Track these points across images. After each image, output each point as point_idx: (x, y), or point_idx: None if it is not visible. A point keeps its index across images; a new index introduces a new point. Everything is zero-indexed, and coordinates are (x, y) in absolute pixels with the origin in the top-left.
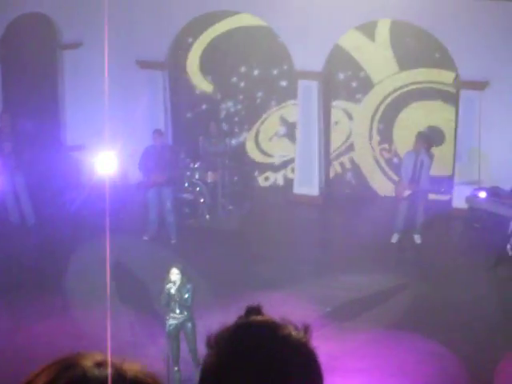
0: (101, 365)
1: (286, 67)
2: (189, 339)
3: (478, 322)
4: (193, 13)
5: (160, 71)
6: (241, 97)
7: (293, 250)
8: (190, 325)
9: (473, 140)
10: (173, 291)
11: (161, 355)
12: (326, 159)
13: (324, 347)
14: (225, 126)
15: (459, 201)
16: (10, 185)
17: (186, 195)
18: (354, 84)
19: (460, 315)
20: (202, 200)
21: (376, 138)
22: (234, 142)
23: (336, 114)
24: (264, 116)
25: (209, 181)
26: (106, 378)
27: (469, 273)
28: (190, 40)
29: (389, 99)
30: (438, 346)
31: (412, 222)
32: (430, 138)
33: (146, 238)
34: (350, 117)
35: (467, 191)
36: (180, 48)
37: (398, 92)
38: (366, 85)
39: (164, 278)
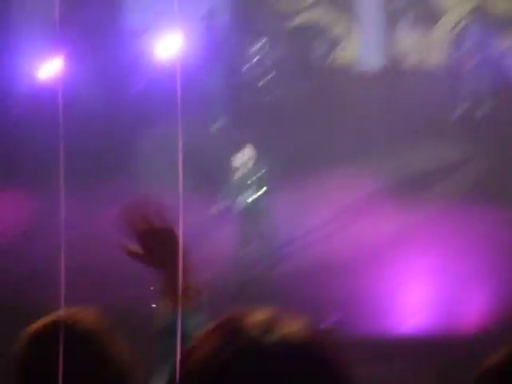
0: (268, 330)
1: None
2: (262, 219)
3: None
4: None
5: None
6: None
7: (358, 125)
8: (261, 206)
9: None
10: (245, 169)
11: (233, 235)
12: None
13: (393, 219)
14: None
15: None
16: (75, 69)
17: (253, 72)
18: None
19: None
20: (269, 76)
21: None
22: None
23: None
24: None
25: (276, 57)
26: (274, 344)
27: None
28: None
29: None
30: (503, 216)
31: (476, 95)
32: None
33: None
34: None
35: None
36: None
37: None
38: None
39: (236, 157)
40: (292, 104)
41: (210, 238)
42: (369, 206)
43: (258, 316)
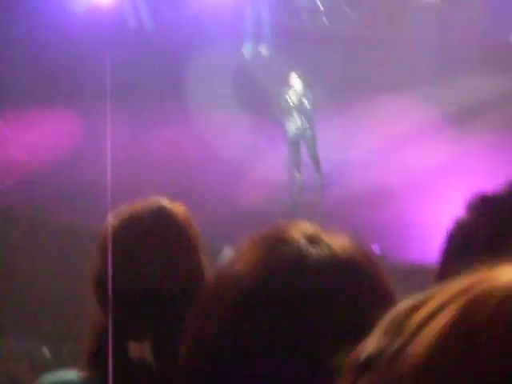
0: (315, 242)
1: None
2: (309, 146)
3: None
4: None
5: None
6: None
7: (412, 52)
8: (310, 132)
9: None
10: (293, 98)
11: (283, 161)
12: None
13: (444, 149)
14: None
15: None
16: None
17: (304, 1)
18: None
19: None
20: (319, 4)
21: None
22: None
23: None
24: None
25: None
26: (322, 257)
27: None
28: None
29: None
30: None
31: None
32: None
33: (246, 52)
34: None
35: None
36: None
37: None
38: None
39: (284, 83)
40: (342, 31)
41: (262, 161)
42: (418, 135)
43: (304, 228)
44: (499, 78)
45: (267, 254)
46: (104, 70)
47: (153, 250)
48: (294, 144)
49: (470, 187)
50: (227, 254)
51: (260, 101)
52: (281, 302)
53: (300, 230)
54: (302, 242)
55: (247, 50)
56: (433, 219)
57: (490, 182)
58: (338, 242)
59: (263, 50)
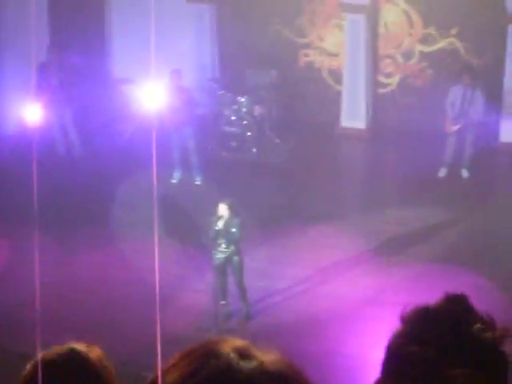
0: (245, 356)
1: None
2: (236, 273)
3: None
4: None
5: (207, 5)
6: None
7: (340, 183)
8: (237, 259)
9: None
10: (220, 226)
11: (208, 289)
12: (374, 91)
13: (371, 281)
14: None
15: (508, 135)
16: (57, 117)
17: (232, 129)
18: None
19: (507, 251)
20: (248, 133)
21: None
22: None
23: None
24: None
25: (256, 114)
26: (251, 370)
27: None
28: None
29: None
30: (484, 280)
31: (460, 156)
32: (476, 71)
33: (173, 180)
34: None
35: None
36: None
37: None
38: None
39: (211, 211)
40: (271, 161)
41: (188, 288)
42: (345, 266)
43: (234, 342)
44: (427, 210)
45: (197, 366)
46: (31, 194)
47: None
48: (221, 271)
49: (395, 318)
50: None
51: (187, 228)
52: None
53: (230, 344)
54: (232, 355)
55: (176, 177)
56: (358, 350)
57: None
58: (267, 356)
59: (191, 177)
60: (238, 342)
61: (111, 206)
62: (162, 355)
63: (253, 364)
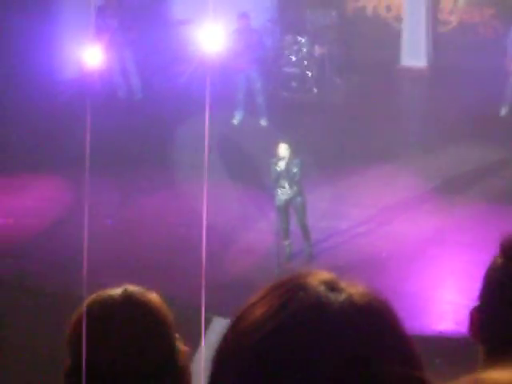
0: (333, 289)
1: None
2: (299, 214)
3: None
4: None
5: None
6: None
7: (401, 123)
8: (299, 199)
9: None
10: (282, 166)
11: (271, 229)
12: (434, 30)
13: (433, 220)
14: None
15: None
16: (117, 60)
17: (293, 69)
18: None
19: None
20: (309, 74)
21: None
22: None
23: None
24: None
25: (316, 54)
26: (341, 304)
27: None
28: None
29: None
30: None
31: None
32: None
33: (235, 121)
34: None
35: None
36: None
37: None
38: None
39: (273, 152)
40: (331, 101)
41: (250, 229)
42: (406, 206)
43: (322, 275)
44: (488, 150)
45: (286, 300)
46: (92, 137)
47: (122, 338)
48: (283, 211)
49: (455, 258)
50: (217, 324)
51: (248, 169)
52: (300, 347)
53: (318, 277)
54: (321, 288)
55: (237, 119)
56: (421, 289)
57: (478, 254)
58: (355, 289)
59: (253, 118)
60: (326, 275)
61: (171, 149)
62: (227, 296)
63: (342, 297)
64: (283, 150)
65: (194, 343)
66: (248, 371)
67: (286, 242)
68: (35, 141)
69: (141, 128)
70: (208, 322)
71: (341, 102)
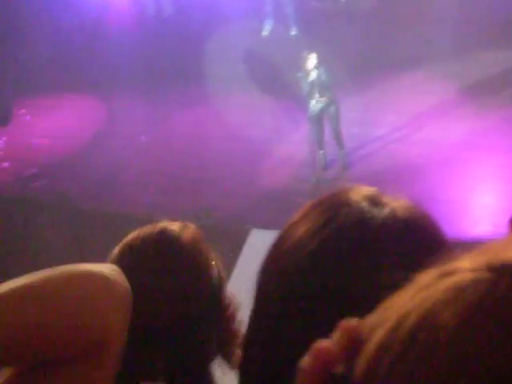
0: (376, 203)
1: None
2: (333, 122)
3: None
4: None
5: None
6: None
7: (431, 25)
8: (333, 108)
9: None
10: (313, 76)
11: (305, 139)
12: None
13: (465, 124)
14: None
15: None
16: None
17: None
18: None
19: None
20: None
21: None
22: None
23: None
24: None
25: None
26: (384, 218)
27: None
28: None
29: None
30: None
31: None
32: None
33: (264, 32)
34: None
35: None
36: None
37: None
38: None
39: (302, 63)
40: (360, 8)
41: (284, 140)
42: (439, 111)
43: (364, 190)
44: None
45: (329, 216)
46: (124, 56)
47: (158, 279)
48: (317, 121)
49: (488, 163)
50: (256, 235)
51: (280, 80)
52: (345, 263)
53: (360, 192)
54: (364, 203)
55: (267, 30)
56: (457, 194)
57: (506, 159)
58: (397, 203)
59: (283, 29)
60: (368, 190)
61: (202, 63)
62: (264, 208)
63: (385, 211)
64: (314, 59)
65: (234, 254)
66: (293, 291)
67: (321, 152)
68: (66, 60)
69: (171, 43)
70: (246, 233)
71: (370, 8)
